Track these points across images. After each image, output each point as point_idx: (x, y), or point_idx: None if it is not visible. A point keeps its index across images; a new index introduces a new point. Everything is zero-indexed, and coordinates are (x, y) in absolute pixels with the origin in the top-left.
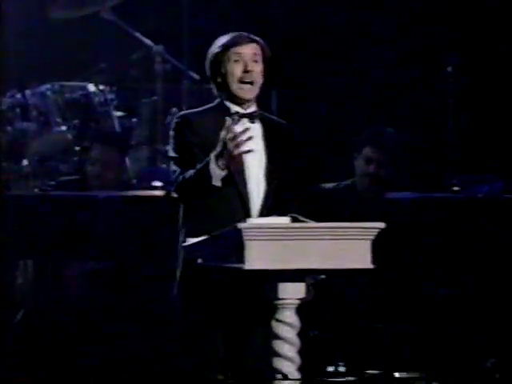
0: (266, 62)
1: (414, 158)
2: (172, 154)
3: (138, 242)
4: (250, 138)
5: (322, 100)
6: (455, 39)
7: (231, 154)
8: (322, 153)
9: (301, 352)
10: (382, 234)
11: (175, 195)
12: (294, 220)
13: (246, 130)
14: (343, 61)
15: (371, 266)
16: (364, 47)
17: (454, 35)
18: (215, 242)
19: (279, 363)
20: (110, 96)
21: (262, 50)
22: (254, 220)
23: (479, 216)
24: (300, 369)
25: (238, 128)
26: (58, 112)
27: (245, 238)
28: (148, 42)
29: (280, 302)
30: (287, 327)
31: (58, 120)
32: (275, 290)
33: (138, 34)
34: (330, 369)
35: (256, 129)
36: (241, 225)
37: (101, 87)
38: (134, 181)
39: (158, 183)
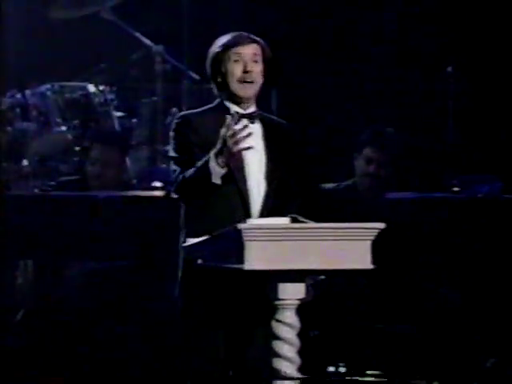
0: (267, 62)
1: (414, 158)
2: (172, 153)
3: (138, 242)
4: (249, 135)
5: (322, 100)
6: (455, 39)
7: (231, 151)
8: (322, 153)
9: (301, 352)
10: (382, 234)
11: (175, 195)
12: (294, 220)
13: (246, 127)
14: (343, 61)
15: (371, 267)
16: (364, 47)
17: (453, 35)
18: (215, 243)
19: (279, 363)
20: (110, 96)
21: (263, 50)
22: (254, 220)
23: (479, 216)
24: (300, 369)
25: (238, 125)
26: (58, 112)
27: (245, 238)
28: (148, 42)
29: (280, 302)
30: (287, 327)
31: (58, 120)
32: (275, 291)
33: (137, 34)
34: (330, 369)
35: (256, 129)
36: (241, 225)
37: (101, 87)
38: (134, 181)
39: (158, 183)
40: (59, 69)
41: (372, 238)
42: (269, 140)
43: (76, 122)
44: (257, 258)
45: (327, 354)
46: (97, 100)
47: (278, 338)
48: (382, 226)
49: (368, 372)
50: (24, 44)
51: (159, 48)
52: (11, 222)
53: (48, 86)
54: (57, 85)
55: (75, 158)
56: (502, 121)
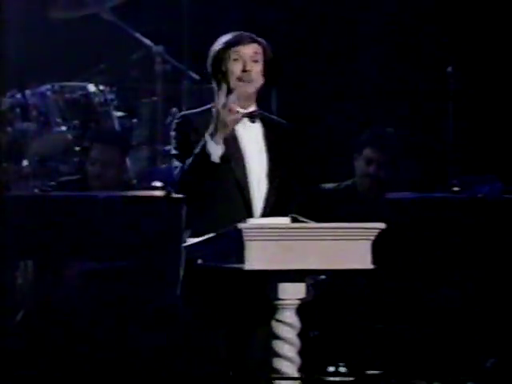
0: (267, 62)
1: (414, 158)
2: (174, 151)
3: (138, 242)
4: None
5: (322, 100)
6: (455, 39)
7: (224, 122)
8: (322, 153)
9: (301, 352)
10: (382, 234)
11: (177, 193)
12: (294, 220)
13: (236, 97)
14: (343, 61)
15: (371, 267)
16: (364, 47)
17: (453, 35)
18: (215, 243)
19: (279, 363)
20: (110, 96)
21: (264, 50)
22: (254, 220)
23: (479, 216)
24: (300, 369)
25: (231, 97)
26: (58, 112)
27: (245, 238)
28: (148, 42)
29: (280, 302)
30: (287, 327)
31: (58, 120)
32: (275, 291)
33: (137, 35)
34: (331, 369)
35: (256, 128)
36: (241, 225)
37: (101, 87)
38: (134, 181)
39: (158, 183)
40: (59, 69)
41: (372, 238)
42: (269, 139)
43: (76, 122)
44: (257, 257)
45: (327, 354)
46: (97, 100)
47: (278, 337)
48: (382, 226)
49: (368, 372)
50: (24, 44)
51: (159, 48)
52: (11, 222)
53: (48, 86)
54: (57, 85)
55: (75, 159)
56: (502, 121)
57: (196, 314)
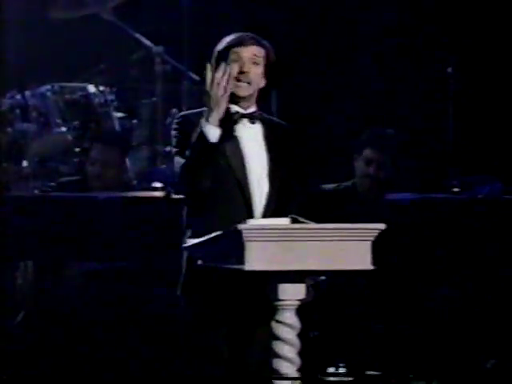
0: (269, 64)
1: (414, 158)
2: (175, 149)
3: (138, 242)
4: (228, 82)
5: (322, 100)
6: (455, 39)
7: (215, 98)
8: (322, 153)
9: (301, 353)
10: (382, 235)
11: (177, 195)
12: (294, 221)
13: (225, 72)
14: (343, 61)
15: (371, 267)
16: (364, 47)
17: (454, 35)
18: (215, 243)
19: (279, 364)
20: (110, 97)
21: (266, 52)
22: (254, 221)
23: (479, 217)
24: (300, 370)
25: (218, 71)
26: (58, 113)
27: (245, 238)
28: (148, 42)
29: (280, 303)
30: (287, 328)
31: (58, 121)
32: (275, 291)
33: (137, 35)
34: (331, 370)
35: (256, 129)
36: (241, 226)
37: (101, 88)
38: (134, 182)
39: (158, 184)
40: (59, 69)
41: (372, 238)
42: (269, 140)
43: (76, 122)
44: (257, 258)
45: (327, 355)
46: (97, 101)
47: (278, 338)
48: (382, 226)
49: (368, 372)
50: (24, 44)
51: (159, 49)
52: (11, 222)
53: (48, 86)
54: (57, 85)
55: (75, 159)
56: (502, 121)
57: (196, 314)
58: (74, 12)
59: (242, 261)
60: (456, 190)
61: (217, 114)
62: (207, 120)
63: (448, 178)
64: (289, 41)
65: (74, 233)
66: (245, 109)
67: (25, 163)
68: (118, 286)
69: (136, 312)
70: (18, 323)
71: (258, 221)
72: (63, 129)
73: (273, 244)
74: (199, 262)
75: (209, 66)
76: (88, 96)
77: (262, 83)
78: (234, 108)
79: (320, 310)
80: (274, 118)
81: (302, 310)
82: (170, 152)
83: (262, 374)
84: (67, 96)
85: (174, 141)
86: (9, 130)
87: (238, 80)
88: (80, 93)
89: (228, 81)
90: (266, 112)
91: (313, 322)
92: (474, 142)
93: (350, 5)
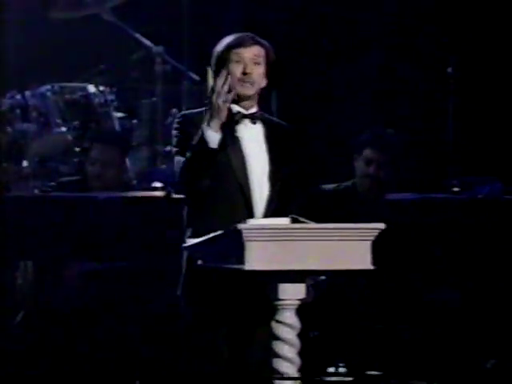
0: (270, 65)
1: (414, 158)
2: (175, 148)
3: (138, 242)
4: (230, 91)
5: (322, 100)
6: (455, 39)
7: (216, 105)
8: (323, 154)
9: (301, 353)
10: (382, 234)
11: (177, 194)
12: (295, 221)
13: (226, 79)
14: (343, 61)
15: (371, 267)
16: (364, 47)
17: (454, 35)
18: (215, 243)
19: (279, 364)
20: (110, 97)
21: (266, 52)
22: (255, 221)
23: (479, 217)
24: (300, 370)
25: (219, 79)
26: (58, 113)
27: (245, 238)
28: (148, 42)
29: (280, 302)
30: (287, 328)
31: (58, 121)
32: (275, 291)
33: (137, 35)
34: (331, 369)
35: (257, 129)
36: (241, 225)
37: (101, 88)
38: (134, 182)
39: (158, 184)
40: (59, 69)
41: (372, 238)
42: (270, 141)
43: (76, 122)
44: (257, 258)
45: (327, 355)
46: (97, 101)
47: (278, 338)
48: (382, 226)
49: (368, 372)
50: (24, 44)
51: (159, 49)
52: (11, 222)
53: (48, 86)
54: (57, 86)
55: (75, 159)
56: (502, 121)
57: (196, 314)
58: (74, 12)
59: (242, 261)
60: (456, 189)
61: (218, 121)
62: (208, 125)
63: (448, 177)
64: (289, 41)
65: (74, 233)
66: (246, 109)
67: (25, 163)
68: (118, 285)
69: (136, 312)
70: (17, 323)
71: (258, 221)
72: (63, 129)
73: (273, 244)
74: (199, 261)
75: (210, 72)
76: (88, 96)
77: (263, 83)
78: (236, 108)
79: (320, 310)
80: (275, 118)
81: (301, 310)
82: (170, 152)
83: (262, 373)
84: (67, 96)
85: (174, 140)
86: (9, 130)
87: (241, 81)
88: (80, 93)
89: (229, 88)
90: (266, 112)
91: (313, 322)
92: (474, 142)
93: (350, 5)
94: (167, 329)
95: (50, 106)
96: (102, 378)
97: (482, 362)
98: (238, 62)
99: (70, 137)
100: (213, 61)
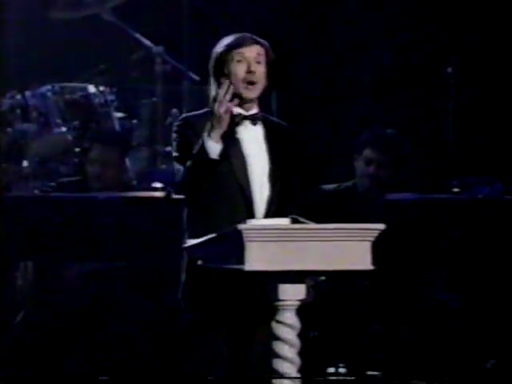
0: (270, 64)
1: (414, 159)
2: (175, 154)
3: (138, 243)
4: (232, 100)
5: (322, 100)
6: (455, 39)
7: (217, 116)
8: (323, 154)
9: (301, 353)
10: (382, 235)
11: (179, 195)
12: (295, 221)
13: (229, 89)
14: (343, 61)
15: (371, 268)
16: (364, 47)
17: (454, 35)
18: (215, 243)
19: (279, 364)
20: (110, 97)
21: (266, 51)
22: (255, 221)
23: (480, 217)
24: (300, 370)
25: (221, 89)
26: (58, 113)
27: (245, 239)
28: (148, 42)
29: (280, 303)
30: (287, 328)
31: (58, 121)
32: (275, 292)
33: (137, 35)
34: (331, 369)
35: (258, 130)
36: (241, 226)
37: (101, 88)
38: (134, 182)
39: (158, 184)
40: (59, 69)
41: (372, 238)
42: (270, 141)
43: (76, 122)
44: (257, 258)
45: (327, 355)
46: (97, 101)
47: (278, 338)
48: (382, 226)
49: (368, 373)
50: (24, 44)
51: (159, 49)
52: (11, 222)
53: (48, 86)
54: (57, 86)
55: (75, 159)
56: (502, 121)
57: (196, 314)
58: (74, 12)
59: (242, 261)
60: (456, 190)
61: (219, 131)
62: (209, 135)
63: (448, 178)
64: (289, 41)
65: (74, 233)
66: (247, 110)
67: (25, 163)
68: (118, 285)
69: (136, 312)
70: (17, 323)
71: (258, 221)
72: (63, 129)
73: (273, 244)
74: (199, 262)
75: (213, 81)
76: (88, 96)
77: (265, 83)
78: (236, 110)
79: (320, 310)
80: (274, 119)
81: (301, 310)
82: (170, 152)
83: (262, 374)
84: (67, 96)
85: (174, 144)
86: (9, 130)
87: (246, 81)
88: (80, 93)
89: (231, 97)
90: (266, 112)
91: (313, 322)
92: (474, 142)
93: (350, 5)
94: (167, 329)
95: (50, 106)
96: (102, 378)
97: (483, 362)
98: (240, 61)
99: (69, 137)
100: (212, 62)
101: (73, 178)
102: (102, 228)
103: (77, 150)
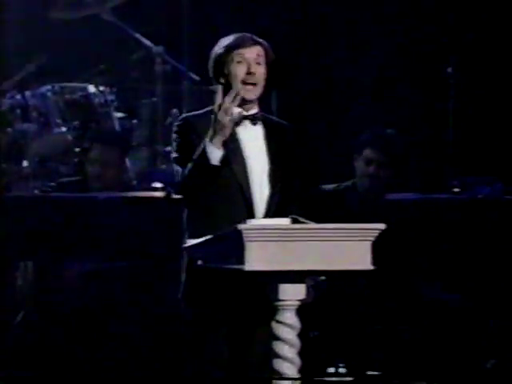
0: (269, 64)
1: (415, 158)
2: (175, 154)
3: (138, 243)
4: (238, 105)
5: (322, 100)
6: (455, 39)
7: (221, 123)
8: (323, 154)
9: (301, 353)
10: (382, 235)
11: (179, 196)
12: (295, 221)
13: (236, 97)
14: (343, 61)
15: (371, 268)
16: (364, 47)
17: (454, 35)
18: (215, 244)
19: (279, 364)
20: (110, 97)
21: (266, 52)
22: (255, 221)
23: (480, 217)
24: (300, 370)
25: (227, 97)
26: (58, 113)
27: (245, 239)
28: (148, 42)
29: (280, 303)
30: (287, 328)
31: (58, 121)
32: (275, 292)
33: (138, 35)
34: (331, 369)
35: (257, 130)
36: (241, 226)
37: (101, 88)
38: (134, 182)
39: (158, 184)
40: (59, 69)
41: (372, 238)
42: (270, 141)
43: (76, 122)
44: (257, 258)
45: (327, 355)
46: (97, 101)
47: (278, 338)
48: (382, 226)
49: (368, 373)
50: (24, 44)
51: (159, 49)
52: (11, 222)
53: (48, 86)
54: (57, 86)
55: (75, 159)
56: (502, 121)
57: (197, 314)
58: (74, 12)
59: (242, 261)
60: (456, 190)
61: (221, 138)
62: (211, 141)
63: (448, 177)
64: (289, 41)
65: (74, 233)
66: (247, 110)
67: (25, 163)
68: (118, 285)
69: (136, 312)
70: (17, 323)
71: (258, 221)
72: (63, 129)
73: (273, 244)
74: (199, 262)
75: (219, 89)
76: (88, 96)
77: (264, 83)
78: (236, 109)
79: (320, 310)
80: (274, 118)
81: (302, 310)
82: (170, 152)
83: (262, 374)
84: (67, 96)
85: (173, 145)
86: (9, 130)
87: (246, 82)
88: (80, 93)
89: (235, 104)
90: (266, 112)
91: (313, 322)
92: (474, 142)
93: (350, 5)
94: (167, 329)
95: (50, 106)
96: (102, 378)
97: (482, 362)
98: (240, 62)
99: (69, 137)
100: (211, 63)
101: (73, 178)
102: (102, 228)
103: (77, 149)
